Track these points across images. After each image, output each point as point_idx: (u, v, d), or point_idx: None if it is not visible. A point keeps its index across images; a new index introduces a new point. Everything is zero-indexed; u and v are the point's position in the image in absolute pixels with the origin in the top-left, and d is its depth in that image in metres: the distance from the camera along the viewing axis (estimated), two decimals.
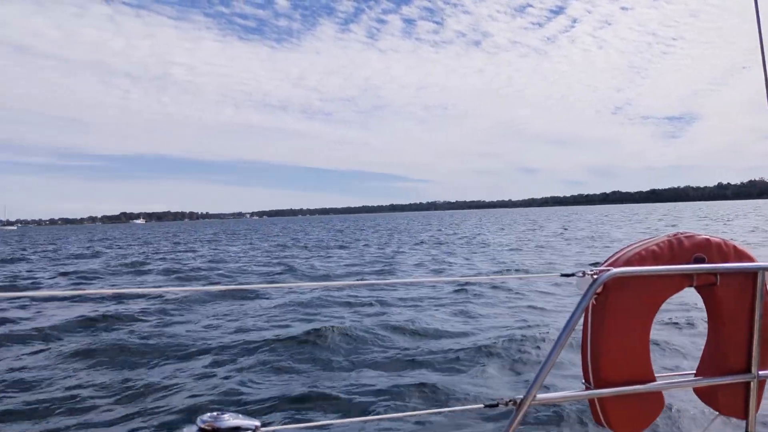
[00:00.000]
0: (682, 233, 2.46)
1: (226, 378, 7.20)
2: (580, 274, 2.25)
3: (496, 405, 2.09)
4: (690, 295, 2.68)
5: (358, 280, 18.10)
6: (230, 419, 1.38)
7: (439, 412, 5.54)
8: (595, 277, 2.21)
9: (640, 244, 2.45)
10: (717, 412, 2.54)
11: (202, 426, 1.37)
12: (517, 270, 19.06)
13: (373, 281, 11.05)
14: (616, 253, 2.45)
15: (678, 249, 2.39)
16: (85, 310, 12.79)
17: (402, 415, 3.13)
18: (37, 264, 29.29)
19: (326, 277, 19.09)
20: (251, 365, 7.72)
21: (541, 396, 2.12)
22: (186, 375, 7.37)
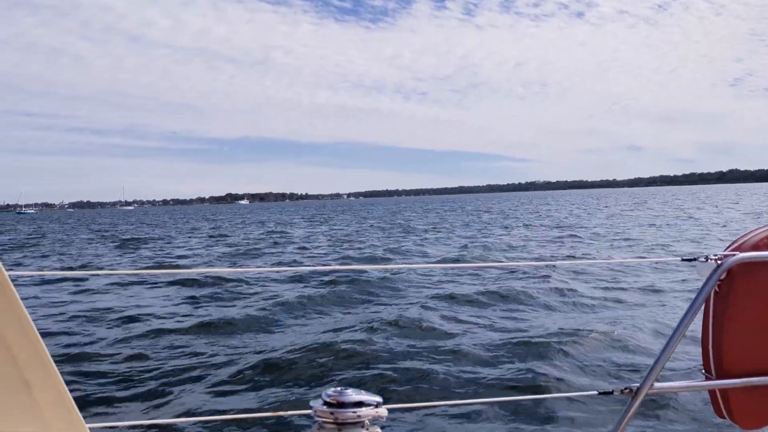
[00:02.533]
0: None
1: (350, 355, 7.53)
2: (703, 259, 2.17)
3: (611, 393, 2.08)
4: None
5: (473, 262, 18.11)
6: (353, 394, 1.42)
7: (553, 398, 5.58)
8: (719, 262, 2.13)
9: None
10: None
11: (327, 399, 1.41)
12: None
13: (475, 264, 11.02)
14: (742, 236, 2.34)
15: None
16: (209, 287, 13.83)
17: (515, 399, 3.08)
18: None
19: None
20: (373, 343, 8.00)
21: (658, 385, 2.07)
22: (310, 351, 7.74)
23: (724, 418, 2.32)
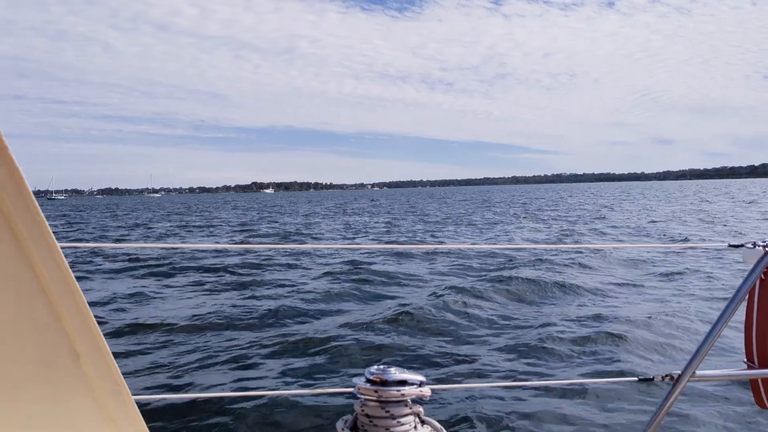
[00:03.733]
0: None
1: (392, 335, 7.67)
2: (750, 246, 2.16)
3: (651, 379, 2.08)
4: None
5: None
6: (397, 373, 1.40)
7: (594, 383, 5.58)
8: (766, 249, 2.11)
9: None
10: None
11: (371, 377, 1.39)
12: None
13: (518, 245, 11.02)
14: None
15: None
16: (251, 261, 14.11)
17: (555, 383, 3.06)
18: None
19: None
20: (414, 326, 8.13)
21: (700, 372, 2.07)
22: (354, 330, 7.92)
23: (765, 408, 2.32)
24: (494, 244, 18.50)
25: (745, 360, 2.31)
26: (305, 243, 21.69)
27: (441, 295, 9.90)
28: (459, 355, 6.81)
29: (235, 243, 22.58)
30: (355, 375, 1.43)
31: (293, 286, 11.58)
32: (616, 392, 5.49)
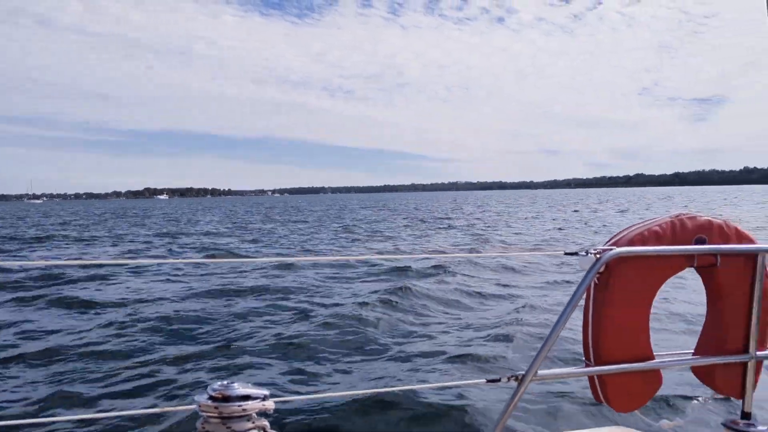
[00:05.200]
0: (684, 214, 2.48)
1: (236, 351, 7.39)
2: (583, 253, 2.27)
3: (499, 380, 2.13)
4: (691, 276, 2.70)
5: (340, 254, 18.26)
6: (240, 388, 1.40)
7: (443, 387, 5.67)
8: (597, 256, 2.24)
9: (643, 224, 2.48)
10: (714, 391, 2.60)
11: (213, 394, 1.40)
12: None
13: (365, 256, 11.10)
14: (619, 232, 2.49)
15: (680, 230, 2.42)
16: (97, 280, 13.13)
17: (406, 389, 3.18)
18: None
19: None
20: (262, 339, 7.90)
21: (542, 372, 2.16)
22: (196, 347, 7.59)
23: (601, 402, 2.44)
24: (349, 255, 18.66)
25: (584, 358, 2.43)
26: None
27: (296, 308, 9.82)
28: (311, 367, 6.70)
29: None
30: (199, 393, 1.42)
31: (143, 302, 10.95)
32: (467, 394, 5.58)
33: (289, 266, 14.76)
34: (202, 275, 13.95)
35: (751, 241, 2.51)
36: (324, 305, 10.06)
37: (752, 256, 2.49)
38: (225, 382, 1.42)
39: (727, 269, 2.48)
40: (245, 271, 14.34)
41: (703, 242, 2.44)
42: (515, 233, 26.78)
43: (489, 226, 32.08)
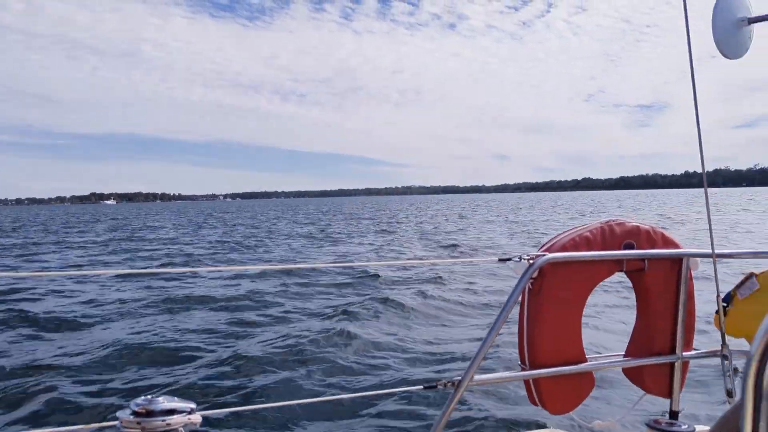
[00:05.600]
0: (613, 220, 2.55)
1: (161, 364, 7.14)
2: (517, 259, 2.31)
3: (435, 387, 2.14)
4: (621, 280, 2.78)
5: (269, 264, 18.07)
6: (165, 402, 1.37)
7: (379, 395, 5.57)
8: (530, 262, 2.28)
9: (574, 230, 2.53)
10: (643, 391, 2.67)
11: (136, 409, 1.36)
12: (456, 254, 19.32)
13: (301, 265, 10.95)
14: (552, 239, 2.53)
15: (609, 235, 2.48)
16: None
17: (340, 398, 3.10)
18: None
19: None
20: (187, 351, 7.64)
21: (478, 377, 2.18)
22: (119, 361, 7.29)
23: (536, 405, 2.47)
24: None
25: (519, 362, 2.48)
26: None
27: (230, 319, 9.60)
28: (242, 378, 6.52)
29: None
30: (121, 408, 1.38)
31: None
32: (404, 401, 5.55)
33: (227, 275, 14.44)
34: (139, 286, 13.43)
35: (676, 246, 2.59)
36: (258, 315, 9.84)
37: (678, 260, 2.58)
38: (149, 397, 1.39)
39: (654, 273, 2.56)
40: (185, 282, 13.93)
41: (631, 247, 2.51)
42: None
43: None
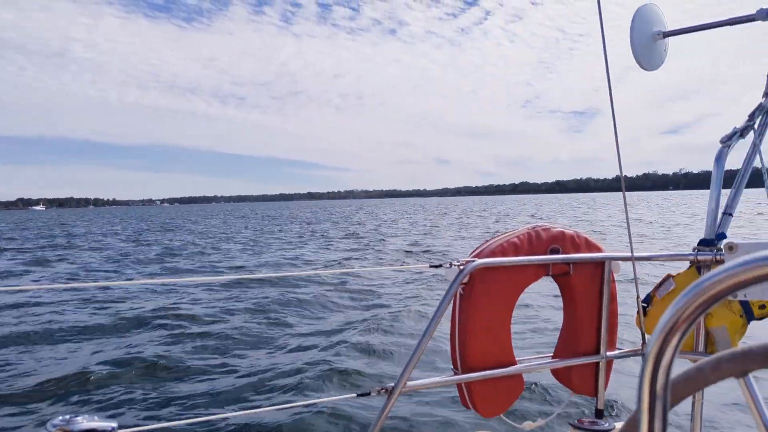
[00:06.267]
0: (540, 226, 2.62)
1: (82, 381, 6.82)
2: (448, 265, 2.33)
3: (369, 394, 2.14)
4: (548, 284, 2.86)
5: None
6: (84, 422, 1.29)
7: (312, 404, 5.55)
8: (461, 268, 2.31)
9: (503, 236, 2.57)
10: (571, 391, 2.75)
11: (53, 430, 1.25)
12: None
13: (239, 276, 10.79)
14: (482, 244, 2.57)
15: (536, 240, 2.54)
16: None
17: (273, 409, 3.09)
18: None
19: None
20: (107, 367, 7.33)
21: (411, 383, 2.19)
22: (37, 379, 6.94)
23: (469, 408, 2.51)
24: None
25: (452, 367, 2.51)
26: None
27: (155, 331, 9.36)
28: (168, 394, 6.33)
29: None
30: (39, 429, 1.17)
31: None
32: (338, 410, 5.51)
33: (149, 287, 13.94)
34: (58, 300, 12.74)
35: (599, 250, 2.68)
36: (185, 326, 9.58)
37: (600, 264, 2.67)
38: (67, 417, 1.30)
39: (579, 276, 2.63)
40: (107, 294, 13.27)
41: (557, 252, 2.57)
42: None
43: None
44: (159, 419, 5.51)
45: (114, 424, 1.32)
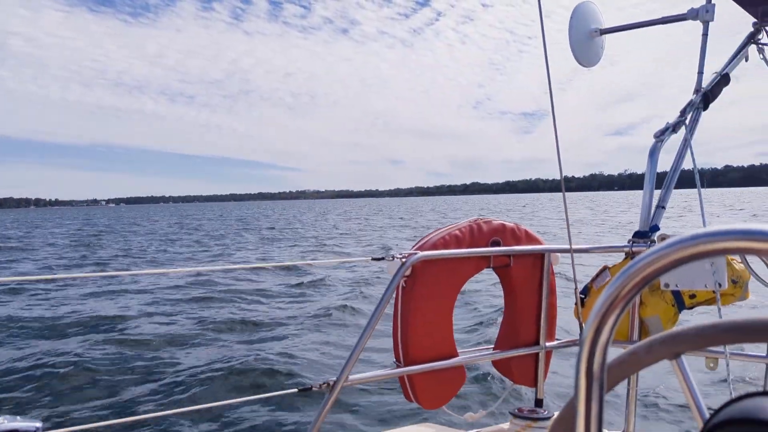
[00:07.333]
0: (481, 219, 2.64)
1: (3, 381, 6.59)
2: (390, 258, 2.32)
3: (310, 389, 2.13)
4: (489, 275, 2.90)
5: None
6: (5, 422, 1.26)
7: (251, 400, 5.44)
8: (403, 260, 2.30)
9: (445, 229, 2.58)
10: (512, 382, 2.79)
11: None
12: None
13: (173, 270, 10.58)
14: (424, 237, 2.57)
15: (477, 233, 2.56)
16: None
17: (209, 406, 3.02)
18: None
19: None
20: (32, 364, 7.14)
21: (353, 377, 2.17)
22: None
23: (411, 401, 2.51)
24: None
25: (394, 360, 2.51)
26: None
27: (80, 330, 9.11)
28: (96, 393, 6.16)
29: None
30: None
31: None
32: (279, 406, 5.47)
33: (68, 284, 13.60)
34: None
35: (539, 242, 2.72)
36: (112, 325, 9.34)
37: (540, 256, 2.72)
38: None
39: (519, 268, 2.68)
40: (36, 295, 12.85)
41: (498, 244, 2.60)
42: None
43: None
44: (86, 420, 5.28)
45: (38, 424, 1.29)
